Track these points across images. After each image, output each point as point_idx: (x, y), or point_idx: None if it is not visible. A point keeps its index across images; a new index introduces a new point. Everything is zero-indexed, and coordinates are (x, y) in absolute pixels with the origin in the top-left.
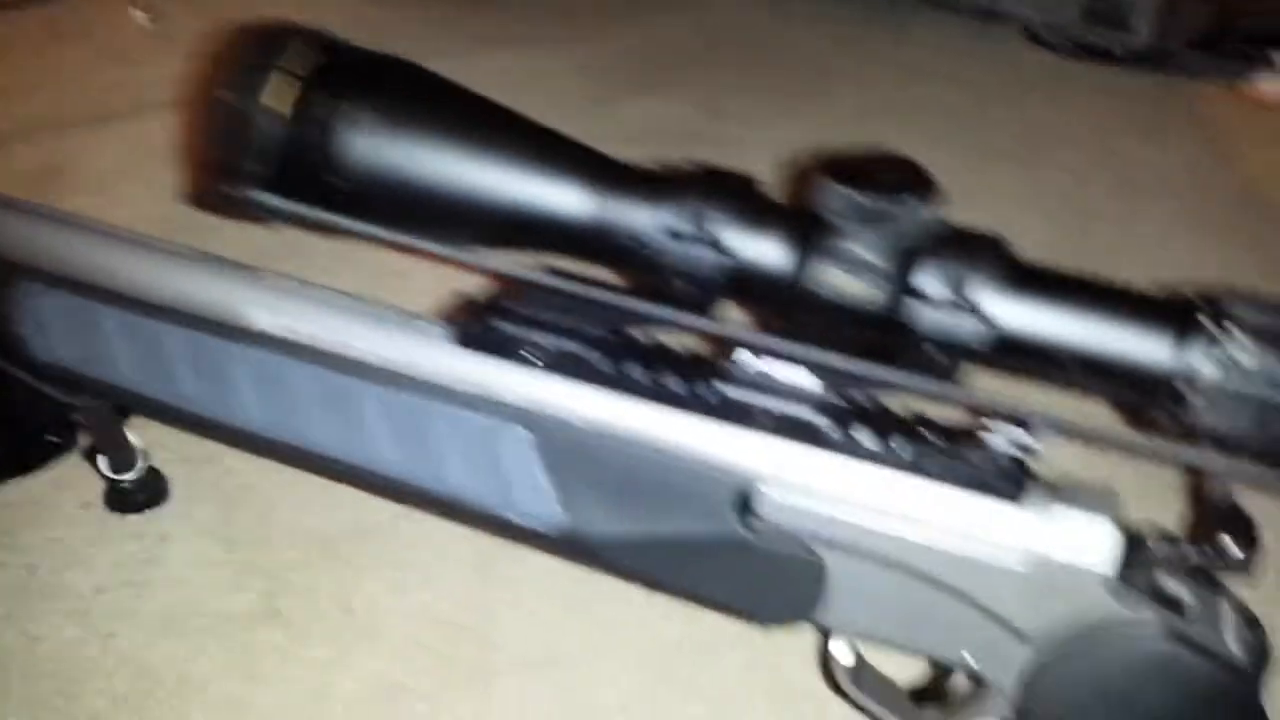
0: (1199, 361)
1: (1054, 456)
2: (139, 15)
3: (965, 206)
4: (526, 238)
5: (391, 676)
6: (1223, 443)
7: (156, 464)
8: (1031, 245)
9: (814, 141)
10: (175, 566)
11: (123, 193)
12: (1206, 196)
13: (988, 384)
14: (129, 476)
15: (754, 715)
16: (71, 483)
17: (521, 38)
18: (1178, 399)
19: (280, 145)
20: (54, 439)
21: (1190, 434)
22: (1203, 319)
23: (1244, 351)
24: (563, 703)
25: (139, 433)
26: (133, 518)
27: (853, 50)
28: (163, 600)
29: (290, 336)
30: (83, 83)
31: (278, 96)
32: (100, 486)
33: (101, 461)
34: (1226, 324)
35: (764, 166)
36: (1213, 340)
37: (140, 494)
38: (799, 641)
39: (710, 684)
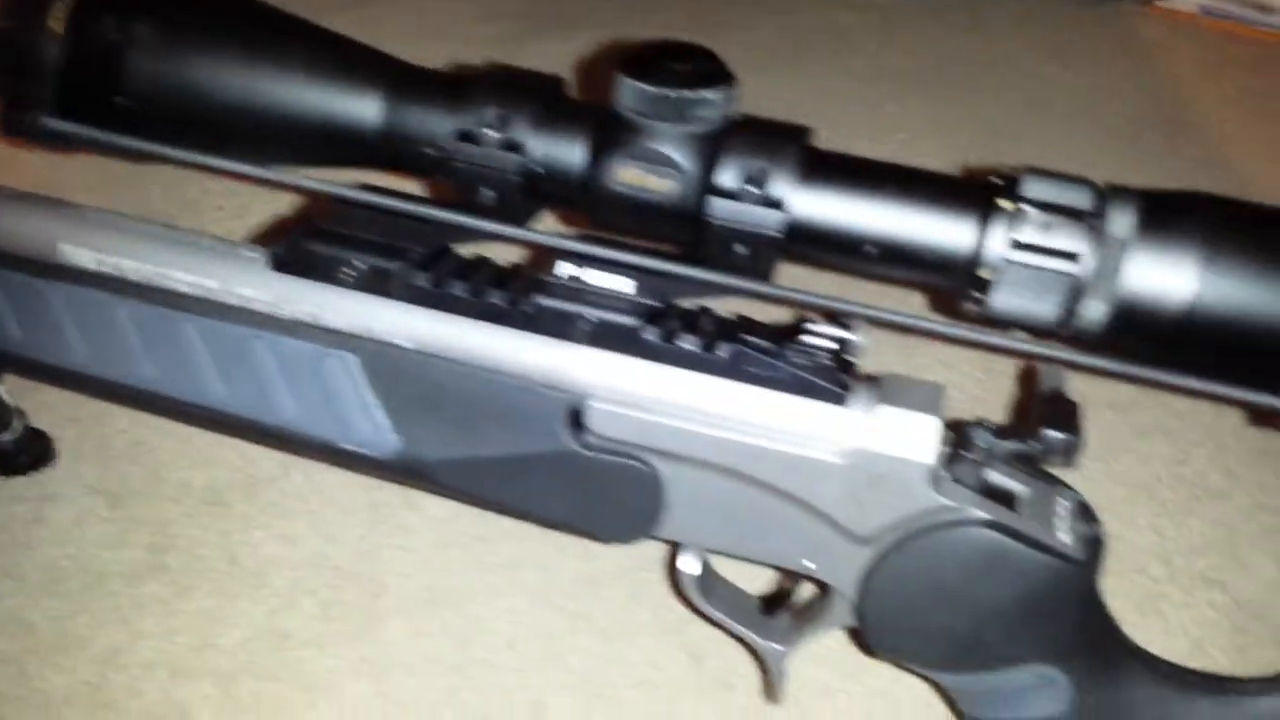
0: (998, 244)
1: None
2: None
3: (878, 137)
4: (328, 152)
5: (276, 624)
6: (1026, 326)
7: (44, 426)
8: (937, 167)
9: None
10: (61, 525)
11: None
12: (1118, 111)
13: (810, 283)
14: (6, 438)
15: (642, 645)
16: None
17: None
18: (980, 284)
19: (62, 67)
20: None
21: (995, 319)
22: (1001, 201)
23: (1038, 230)
24: (452, 641)
25: (27, 395)
26: (18, 480)
27: None
28: (48, 557)
29: (105, 270)
30: None
31: (55, 17)
32: None
33: None
34: (1023, 205)
35: None
36: (1011, 221)
37: (23, 455)
38: None
39: (600, 616)
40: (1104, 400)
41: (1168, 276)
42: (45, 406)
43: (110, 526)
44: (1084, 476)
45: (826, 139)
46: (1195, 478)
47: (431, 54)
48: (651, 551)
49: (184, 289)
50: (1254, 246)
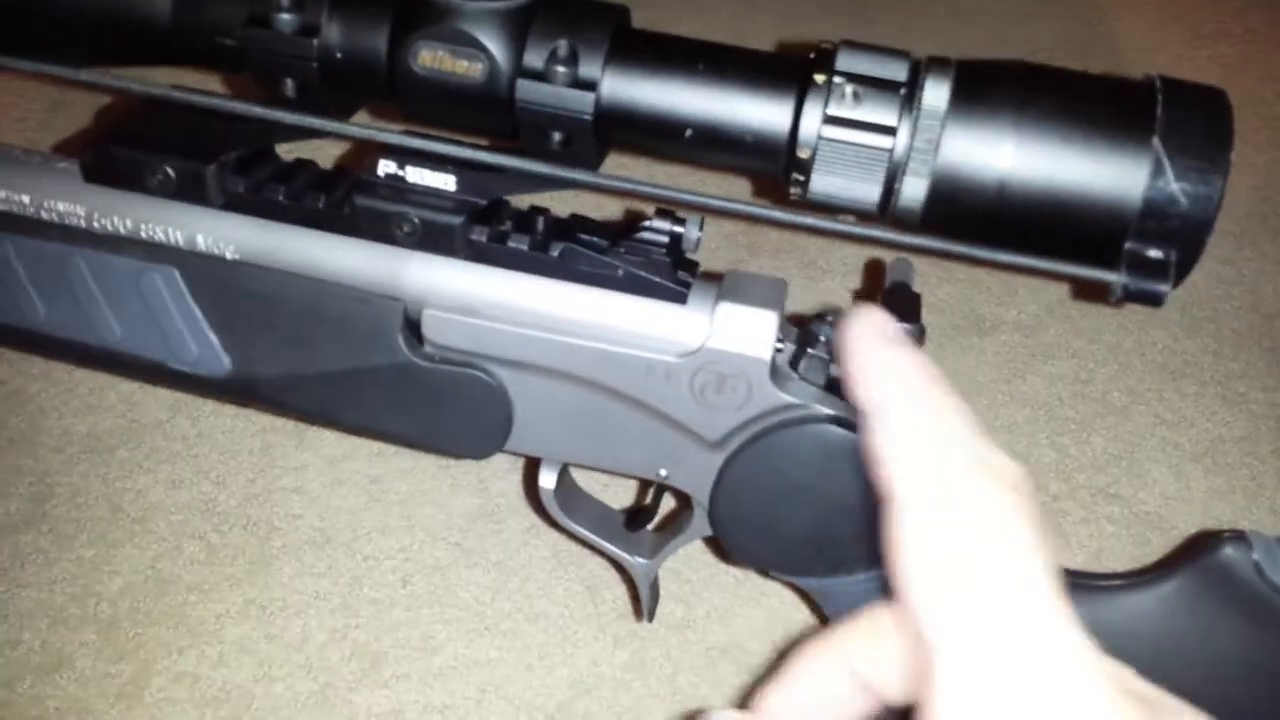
0: (813, 121)
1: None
2: None
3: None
4: (123, 49)
5: (160, 570)
6: (850, 209)
7: None
8: None
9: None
10: None
11: None
12: (1075, 62)
13: (642, 175)
14: None
15: (537, 579)
16: None
17: None
18: (801, 165)
19: None
20: None
21: (819, 202)
22: (816, 76)
23: (851, 104)
24: (342, 581)
25: None
26: None
27: None
28: None
29: None
30: None
31: None
32: None
33: None
34: (836, 78)
35: None
36: (826, 97)
37: None
38: None
39: (495, 551)
40: (1010, 321)
41: (985, 149)
42: None
43: None
44: (988, 397)
45: None
46: (1098, 395)
47: None
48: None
49: None
50: (1066, 114)
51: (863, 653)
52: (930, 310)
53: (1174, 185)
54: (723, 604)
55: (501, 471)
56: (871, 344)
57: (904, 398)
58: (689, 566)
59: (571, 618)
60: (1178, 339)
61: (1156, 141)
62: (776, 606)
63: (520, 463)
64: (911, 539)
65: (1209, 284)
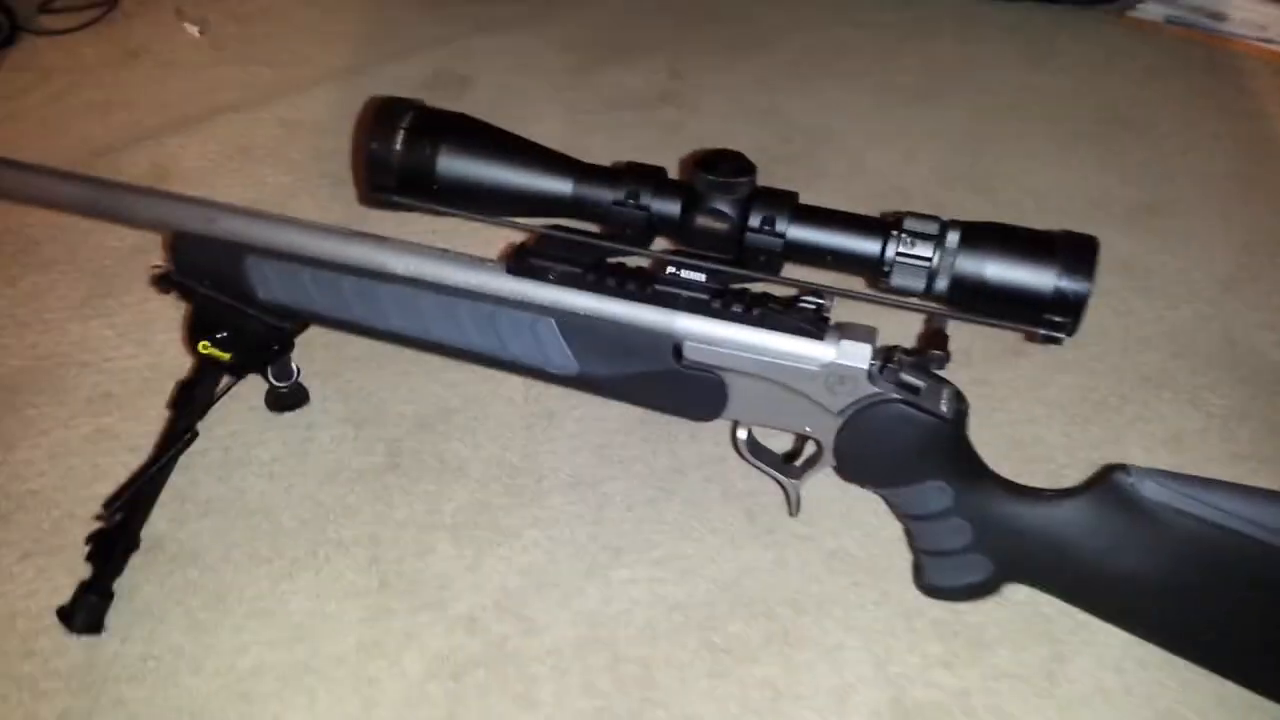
0: (891, 252)
1: (851, 314)
2: (190, 28)
3: (889, 143)
4: (543, 209)
5: (477, 499)
6: (910, 293)
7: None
8: (929, 171)
9: (756, 88)
10: (322, 442)
11: (219, 185)
12: (1080, 114)
13: (803, 275)
14: (284, 384)
15: (713, 509)
16: (240, 396)
17: (509, 21)
18: (885, 273)
19: (401, 166)
20: (274, 347)
21: (895, 290)
22: (894, 231)
23: (909, 245)
24: (588, 506)
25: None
26: (288, 414)
27: (786, 3)
28: (318, 464)
29: (407, 273)
30: (158, 94)
31: (397, 140)
32: (253, 403)
33: (270, 372)
34: (899, 232)
35: (716, 113)
36: (899, 241)
37: (291, 398)
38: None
39: (682, 491)
40: (1038, 349)
41: (976, 266)
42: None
43: (357, 443)
44: (1020, 399)
45: (847, 147)
46: (1099, 399)
47: (531, 82)
48: (718, 453)
49: (460, 284)
50: (1018, 251)
51: None
52: (986, 339)
53: (1063, 283)
54: (833, 526)
55: (684, 440)
56: None
57: None
58: (809, 504)
59: (735, 532)
60: (1164, 360)
61: (1057, 263)
62: (872, 524)
63: (699, 431)
64: None
65: (1194, 321)
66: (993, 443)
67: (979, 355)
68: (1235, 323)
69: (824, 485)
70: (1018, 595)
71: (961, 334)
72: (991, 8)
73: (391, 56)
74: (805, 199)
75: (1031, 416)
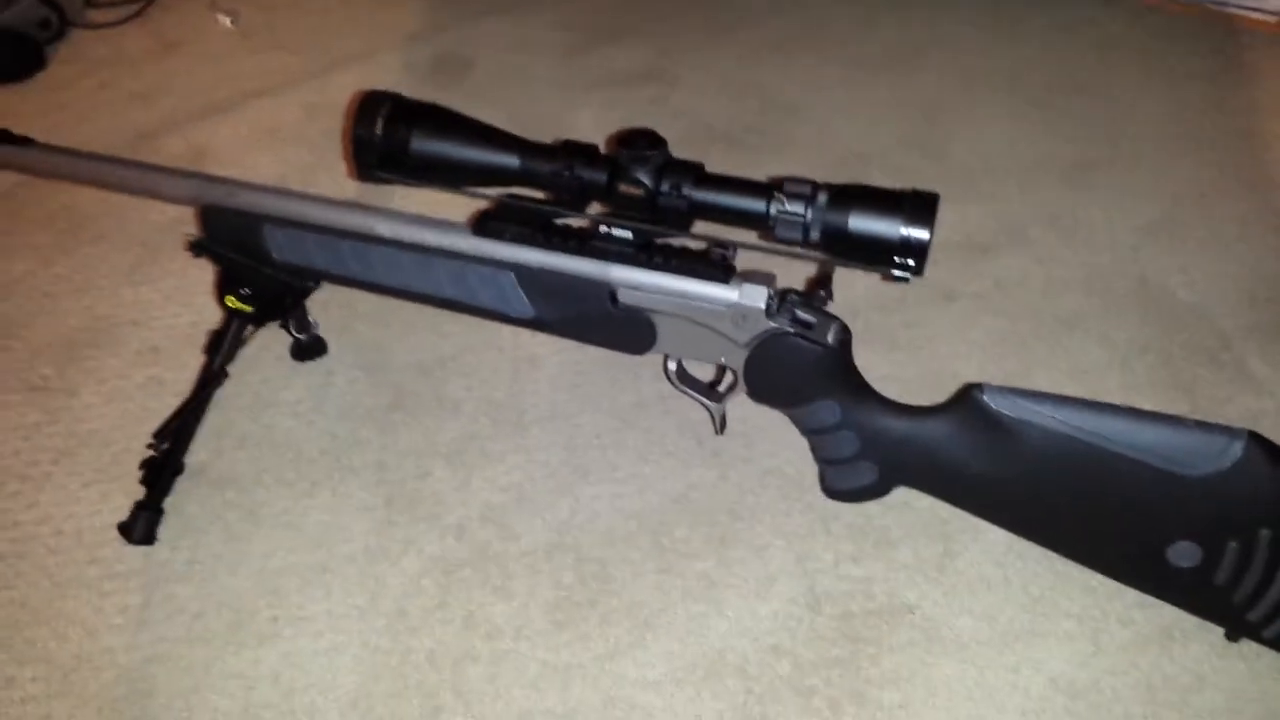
0: (774, 210)
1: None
2: (223, 19)
3: (851, 112)
4: (497, 181)
5: (465, 432)
6: (791, 242)
7: (319, 332)
8: (889, 139)
9: (738, 65)
10: (339, 386)
11: (249, 164)
12: (1038, 81)
13: (710, 230)
14: (304, 336)
15: (669, 435)
16: (267, 344)
17: (509, 6)
18: (770, 226)
19: (381, 147)
20: (288, 300)
21: (780, 240)
22: (775, 192)
23: (788, 204)
24: (565, 450)
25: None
26: (309, 363)
27: None
28: (335, 404)
29: (392, 235)
30: (193, 82)
31: (377, 126)
32: (279, 354)
33: (291, 324)
34: (779, 194)
35: (699, 88)
36: (780, 200)
37: (311, 349)
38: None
39: (642, 421)
40: (968, 293)
41: (841, 219)
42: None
43: (370, 386)
44: (948, 340)
45: (816, 117)
46: (1019, 340)
47: (529, 61)
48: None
49: (434, 244)
50: (873, 205)
51: None
52: (920, 286)
53: (908, 231)
54: (770, 449)
55: (647, 379)
56: None
57: None
58: (749, 431)
59: (688, 454)
60: (1079, 301)
61: (903, 215)
62: (801, 447)
63: (657, 373)
64: None
65: (1113, 266)
66: (918, 379)
67: (913, 300)
68: (1151, 266)
69: (764, 415)
70: (921, 502)
71: (899, 285)
72: None
73: (401, 42)
74: (773, 166)
75: (955, 353)
